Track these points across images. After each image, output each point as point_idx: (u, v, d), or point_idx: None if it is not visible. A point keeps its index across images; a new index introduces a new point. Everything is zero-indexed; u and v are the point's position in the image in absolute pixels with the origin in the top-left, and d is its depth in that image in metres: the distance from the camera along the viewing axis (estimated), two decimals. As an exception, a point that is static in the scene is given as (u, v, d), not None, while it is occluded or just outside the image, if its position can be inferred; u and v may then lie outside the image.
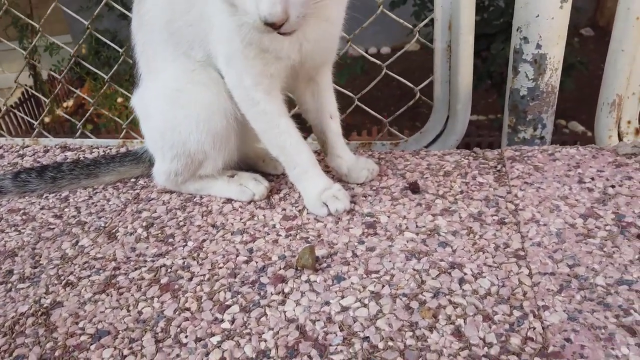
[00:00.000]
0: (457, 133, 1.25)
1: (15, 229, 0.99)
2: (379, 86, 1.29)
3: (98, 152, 1.27)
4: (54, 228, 0.98)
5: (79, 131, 1.40)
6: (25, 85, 4.35)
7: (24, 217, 1.03)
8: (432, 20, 1.18)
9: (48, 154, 1.28)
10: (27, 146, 1.33)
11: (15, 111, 4.03)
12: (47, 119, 4.70)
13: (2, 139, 1.40)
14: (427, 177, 1.00)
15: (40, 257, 0.90)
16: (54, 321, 0.76)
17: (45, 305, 0.79)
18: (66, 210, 1.04)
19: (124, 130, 1.43)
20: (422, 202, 0.93)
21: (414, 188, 0.96)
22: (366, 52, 1.43)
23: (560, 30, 1.09)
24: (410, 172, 1.03)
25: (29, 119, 1.86)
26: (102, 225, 0.98)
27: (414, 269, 0.76)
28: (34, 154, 1.28)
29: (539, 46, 1.09)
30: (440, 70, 1.21)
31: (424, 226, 0.86)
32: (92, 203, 1.06)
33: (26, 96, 4.63)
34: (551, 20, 1.07)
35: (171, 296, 0.78)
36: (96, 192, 1.09)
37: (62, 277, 0.85)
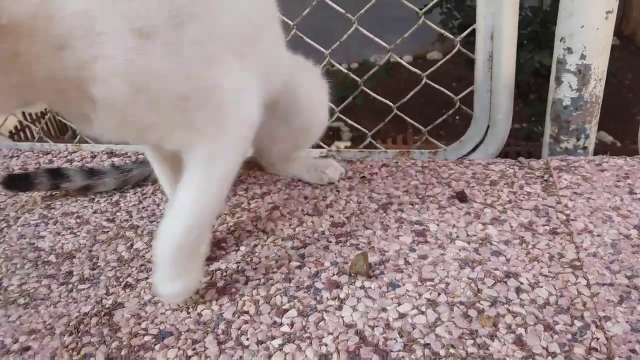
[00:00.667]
0: (497, 142, 1.26)
1: (71, 231, 1.03)
2: (399, 93, 1.29)
3: (142, 157, 1.31)
4: (108, 231, 1.01)
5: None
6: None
7: (78, 220, 1.06)
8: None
9: (95, 159, 1.32)
10: (74, 152, 1.37)
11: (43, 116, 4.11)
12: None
13: (46, 145, 1.44)
14: (473, 186, 1.01)
15: (98, 259, 0.93)
16: (117, 321, 0.78)
17: (107, 306, 0.82)
18: (118, 214, 1.07)
19: None
20: (470, 211, 0.93)
21: (462, 197, 0.97)
22: (388, 61, 1.45)
23: (605, 41, 1.09)
24: (456, 180, 1.04)
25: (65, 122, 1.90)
26: (155, 229, 1.01)
27: (469, 278, 0.77)
28: (82, 160, 1.32)
29: (583, 57, 1.10)
30: (482, 80, 1.22)
31: (474, 235, 0.87)
32: (143, 208, 1.09)
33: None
34: (596, 31, 1.08)
35: (229, 299, 0.80)
36: (145, 197, 1.12)
37: (120, 279, 0.87)
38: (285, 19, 1.14)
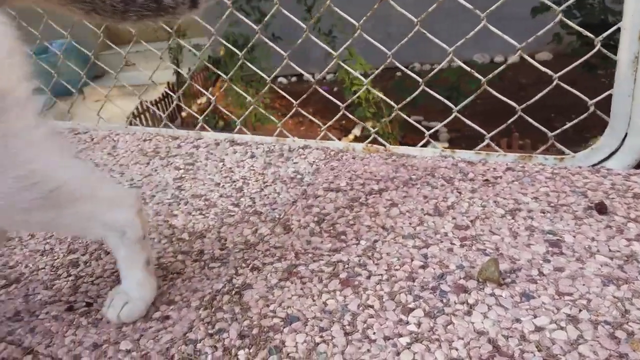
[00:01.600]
0: (637, 152, 1.15)
1: (200, 212, 1.10)
2: (507, 95, 1.21)
3: (263, 148, 1.36)
4: (234, 215, 1.07)
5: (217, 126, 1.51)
6: (168, 82, 4.81)
7: (206, 202, 1.13)
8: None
9: (219, 147, 1.40)
10: (200, 138, 1.47)
11: (150, 106, 4.43)
12: (183, 114, 5.15)
13: (172, 131, 1.55)
14: (613, 198, 0.93)
15: (226, 241, 0.99)
16: (247, 301, 0.82)
17: (237, 285, 0.86)
18: (242, 200, 1.13)
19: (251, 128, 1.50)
20: (611, 224, 0.86)
21: (601, 209, 0.89)
22: (492, 60, 1.38)
23: None
24: (592, 190, 0.97)
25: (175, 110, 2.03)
26: (277, 216, 1.05)
27: (614, 296, 0.71)
28: (207, 146, 1.41)
29: None
30: (624, 83, 1.12)
31: (618, 251, 0.80)
32: (265, 195, 1.13)
33: (168, 92, 5.13)
34: None
35: (352, 292, 0.81)
36: (267, 186, 1.17)
37: (248, 262, 0.92)
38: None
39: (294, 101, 1.38)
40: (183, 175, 1.26)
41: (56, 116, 1.86)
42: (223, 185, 1.19)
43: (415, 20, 1.22)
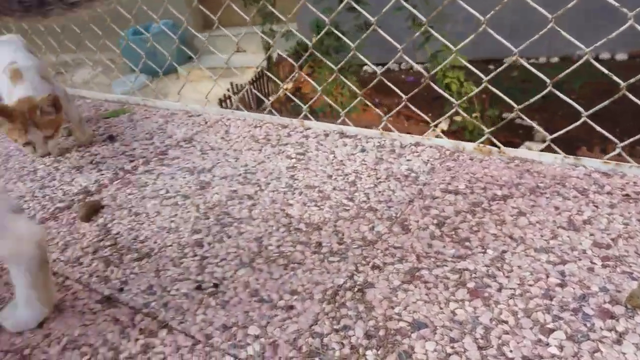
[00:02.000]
0: None
1: (315, 204, 1.11)
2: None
3: (373, 142, 1.35)
4: (349, 209, 1.07)
5: (303, 113, 1.51)
6: (258, 67, 4.92)
7: (320, 194, 1.14)
8: None
9: (328, 138, 1.40)
10: (309, 128, 1.48)
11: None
12: (271, 98, 5.26)
13: (281, 119, 1.57)
14: None
15: (343, 236, 0.99)
16: (370, 300, 0.82)
17: (358, 283, 0.86)
18: (356, 194, 1.12)
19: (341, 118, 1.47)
20: None
21: None
22: (596, 58, 1.24)
23: None
24: None
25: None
26: (393, 215, 1.03)
27: None
28: (316, 137, 1.42)
29: None
30: None
31: None
32: (379, 192, 1.12)
33: (258, 76, 5.27)
34: None
35: (482, 303, 0.78)
36: (380, 182, 1.16)
37: (367, 259, 0.91)
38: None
39: (403, 95, 1.34)
40: (295, 165, 1.28)
41: (151, 95, 1.96)
42: (335, 178, 1.20)
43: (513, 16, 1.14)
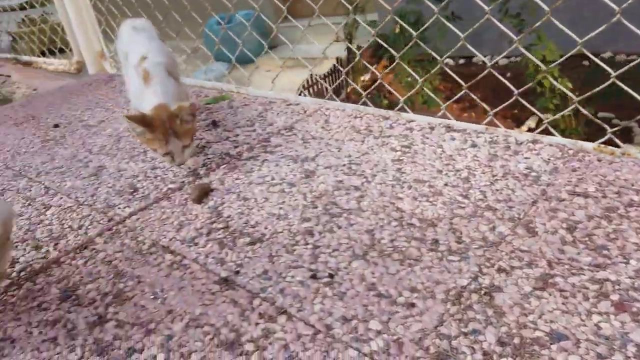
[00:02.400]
0: None
1: (427, 199, 1.07)
2: None
3: (484, 137, 1.28)
4: (464, 207, 1.02)
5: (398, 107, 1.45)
6: (337, 57, 4.91)
7: (431, 189, 1.10)
8: None
9: (434, 131, 1.35)
10: (412, 121, 1.43)
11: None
12: (347, 89, 5.25)
13: (383, 111, 1.53)
14: None
15: (461, 234, 0.94)
16: (499, 305, 0.77)
17: (484, 285, 0.81)
18: (471, 191, 1.07)
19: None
20: None
21: None
22: None
23: None
24: None
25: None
26: (516, 216, 0.97)
27: None
28: (420, 130, 1.37)
29: None
30: None
31: None
32: (496, 190, 1.06)
33: (335, 67, 5.27)
34: None
35: (631, 319, 0.71)
36: (497, 180, 1.09)
37: (492, 261, 0.86)
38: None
39: (514, 89, 1.26)
40: (401, 158, 1.24)
41: (235, 82, 2.01)
42: (446, 174, 1.15)
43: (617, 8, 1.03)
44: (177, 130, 1.19)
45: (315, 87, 5.09)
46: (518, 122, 4.31)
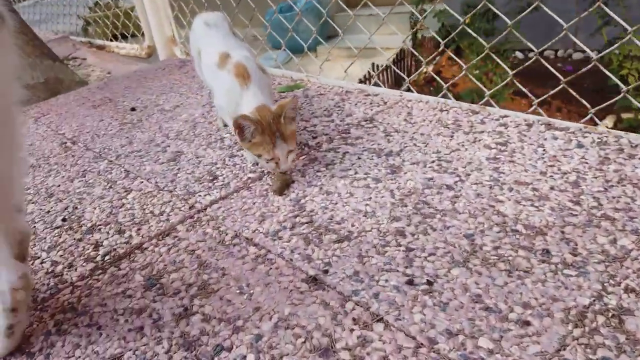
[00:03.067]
0: None
1: (532, 203, 0.97)
2: None
3: (591, 137, 1.16)
4: (576, 215, 0.92)
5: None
6: (402, 46, 4.77)
7: (535, 192, 1.00)
8: None
9: (532, 129, 1.24)
10: (506, 116, 1.33)
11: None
12: (410, 79, 5.10)
13: (471, 105, 1.44)
14: None
15: (577, 246, 0.85)
16: (632, 331, 0.68)
17: (611, 307, 0.72)
18: (582, 197, 0.96)
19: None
20: None
21: None
22: None
23: None
24: None
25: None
26: (639, 227, 0.86)
27: None
28: (516, 126, 1.27)
29: None
30: None
31: None
32: (612, 198, 0.95)
33: (400, 57, 5.13)
34: None
35: None
36: (612, 186, 0.98)
37: (617, 279, 0.76)
38: None
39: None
40: (497, 156, 1.14)
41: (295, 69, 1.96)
42: (551, 176, 1.04)
43: None
44: (284, 132, 1.11)
45: (381, 75, 4.98)
46: (592, 121, 4.04)
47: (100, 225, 1.15)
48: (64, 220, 1.20)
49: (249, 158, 1.30)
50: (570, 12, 1.31)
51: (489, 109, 1.37)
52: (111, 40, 3.43)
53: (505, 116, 1.32)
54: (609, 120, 4.01)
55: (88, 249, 1.07)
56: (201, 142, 1.48)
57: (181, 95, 1.93)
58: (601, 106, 1.25)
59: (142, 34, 2.93)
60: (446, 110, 1.42)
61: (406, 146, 1.26)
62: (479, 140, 1.22)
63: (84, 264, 1.02)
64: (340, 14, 5.84)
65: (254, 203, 1.13)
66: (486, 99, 1.46)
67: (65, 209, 1.25)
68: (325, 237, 0.97)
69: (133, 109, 1.85)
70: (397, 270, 0.86)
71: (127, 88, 2.14)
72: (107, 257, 1.03)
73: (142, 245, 1.05)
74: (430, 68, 5.34)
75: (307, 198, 1.11)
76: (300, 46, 1.96)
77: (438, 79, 1.98)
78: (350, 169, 1.19)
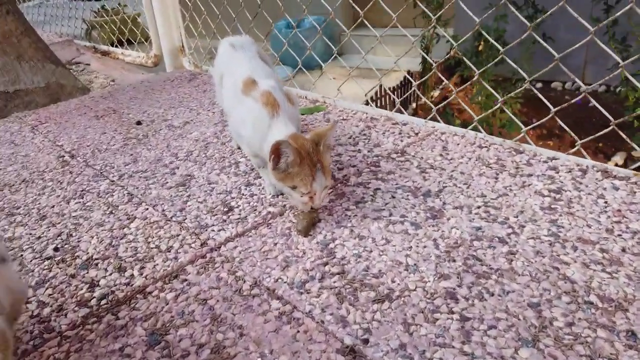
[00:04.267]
0: None
1: (603, 269, 0.84)
2: None
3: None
4: (660, 287, 0.78)
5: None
6: (409, 70, 4.69)
7: (604, 255, 0.87)
8: None
9: (587, 175, 1.12)
10: (556, 159, 1.20)
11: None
12: (414, 105, 5.02)
13: (513, 143, 1.31)
14: None
15: (669, 328, 0.71)
16: None
17: None
18: (663, 265, 0.83)
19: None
20: None
21: None
22: None
23: None
24: None
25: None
26: None
27: None
28: (569, 171, 1.14)
29: None
30: None
31: None
32: (699, 267, 0.82)
33: (406, 80, 5.05)
34: None
35: None
36: (694, 252, 0.85)
37: None
38: None
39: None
40: (552, 206, 1.01)
41: (297, 86, 1.85)
42: (620, 235, 0.91)
43: None
44: (324, 164, 0.97)
45: (384, 99, 4.89)
46: (602, 157, 3.96)
47: (97, 259, 1.00)
48: (56, 249, 1.05)
49: (269, 189, 1.16)
50: (588, 43, 1.21)
51: (534, 149, 1.24)
52: (116, 46, 3.31)
53: (555, 158, 1.20)
54: (620, 157, 3.92)
55: (82, 289, 0.92)
56: (214, 165, 1.35)
57: (191, 111, 1.79)
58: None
59: (150, 42, 2.81)
60: (486, 146, 1.29)
61: (445, 186, 1.12)
62: (529, 185, 1.09)
63: (76, 309, 0.88)
64: (346, 34, 5.80)
65: (276, 244, 0.99)
66: (522, 134, 1.33)
67: (59, 235, 1.10)
68: (361, 294, 0.83)
69: (139, 123, 1.72)
70: (453, 347, 0.72)
71: (132, 99, 2.01)
72: (103, 301, 0.89)
73: (145, 288, 0.91)
74: (437, 93, 5.26)
75: (336, 242, 0.97)
76: (306, 63, 1.85)
77: (469, 109, 1.86)
78: (383, 209, 1.06)
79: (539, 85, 5.17)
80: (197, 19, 2.38)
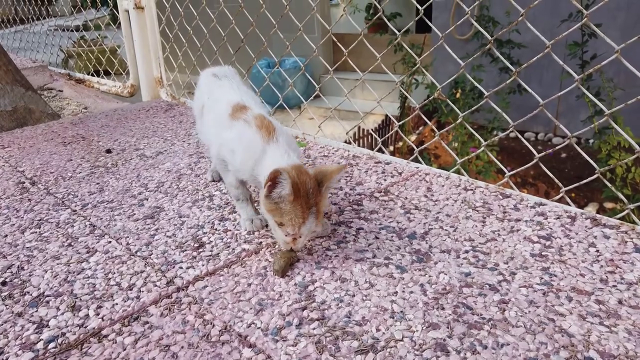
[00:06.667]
0: None
1: (600, 322, 0.78)
2: None
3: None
4: (662, 343, 0.73)
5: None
6: (387, 114, 4.76)
7: (600, 307, 0.82)
8: None
9: (576, 223, 1.08)
10: (543, 204, 1.17)
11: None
12: (391, 148, 5.07)
13: (499, 187, 1.29)
14: None
15: (677, 390, 0.66)
16: None
17: None
18: (662, 319, 0.78)
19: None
20: None
21: None
22: None
23: None
24: None
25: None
26: None
27: None
28: (557, 218, 1.11)
29: None
30: None
31: None
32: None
33: (384, 123, 5.12)
34: None
35: None
36: (692, 306, 0.81)
37: None
38: None
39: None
40: (544, 253, 0.97)
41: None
42: (615, 286, 0.87)
43: None
44: (320, 209, 0.90)
45: (364, 139, 4.93)
46: (576, 206, 4.02)
47: (49, 296, 0.90)
48: (3, 283, 0.94)
49: (245, 224, 1.09)
50: (560, 97, 1.22)
51: (521, 194, 1.21)
52: (92, 75, 3.23)
53: (542, 204, 1.17)
54: (592, 207, 3.99)
55: (28, 329, 0.82)
56: (186, 197, 1.27)
57: (165, 141, 1.72)
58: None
59: (127, 72, 2.75)
60: (471, 189, 1.26)
61: (431, 228, 1.07)
62: (517, 230, 1.05)
63: (19, 352, 0.77)
64: (326, 76, 5.87)
65: (250, 284, 0.91)
66: (506, 179, 1.31)
67: (9, 268, 0.99)
68: (343, 344, 0.75)
69: (109, 151, 1.63)
70: (446, 406, 0.64)
71: (104, 127, 1.92)
72: (51, 345, 0.78)
73: (101, 331, 0.81)
74: (414, 137, 5.34)
75: (316, 284, 0.90)
76: (285, 102, 1.83)
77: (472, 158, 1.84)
78: (367, 250, 1.00)
79: (513, 135, 5.31)
80: (178, 50, 2.34)
